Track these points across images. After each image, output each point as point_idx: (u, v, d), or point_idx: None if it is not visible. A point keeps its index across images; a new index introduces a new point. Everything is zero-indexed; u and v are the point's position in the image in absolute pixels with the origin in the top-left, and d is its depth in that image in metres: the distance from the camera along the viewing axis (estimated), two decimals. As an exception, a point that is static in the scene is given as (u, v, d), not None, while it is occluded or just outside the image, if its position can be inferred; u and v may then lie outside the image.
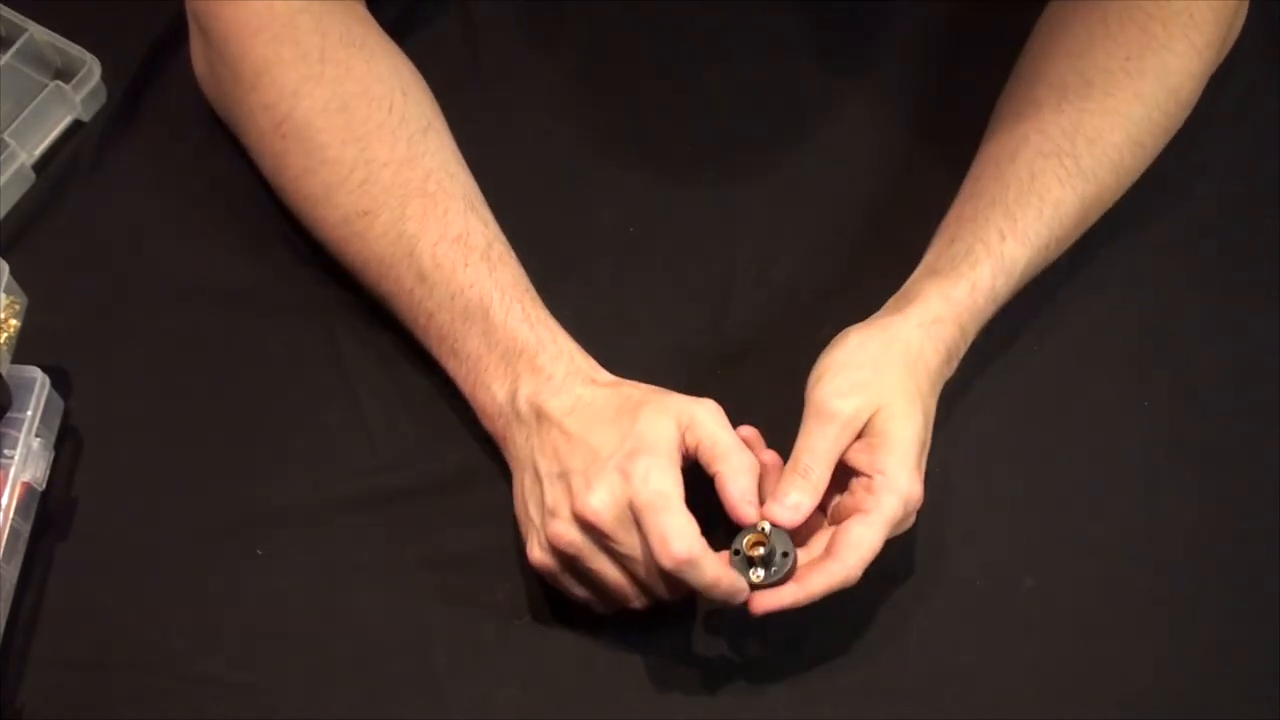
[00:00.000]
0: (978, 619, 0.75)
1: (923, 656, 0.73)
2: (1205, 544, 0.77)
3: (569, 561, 0.69)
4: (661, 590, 0.69)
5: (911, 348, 0.72)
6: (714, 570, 0.66)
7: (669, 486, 0.67)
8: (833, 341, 0.73)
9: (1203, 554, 0.76)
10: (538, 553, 0.70)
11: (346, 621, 0.74)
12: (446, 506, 0.76)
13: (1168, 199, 0.83)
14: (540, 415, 0.70)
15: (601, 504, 0.66)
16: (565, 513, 0.68)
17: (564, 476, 0.68)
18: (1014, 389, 0.80)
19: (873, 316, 0.75)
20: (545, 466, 0.70)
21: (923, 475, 0.70)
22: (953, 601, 0.75)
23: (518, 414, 0.72)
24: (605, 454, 0.68)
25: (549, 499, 0.69)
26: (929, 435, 0.71)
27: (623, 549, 0.67)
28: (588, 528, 0.67)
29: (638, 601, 0.70)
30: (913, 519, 0.71)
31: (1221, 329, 0.83)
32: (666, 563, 0.66)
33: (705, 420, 0.69)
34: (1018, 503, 0.78)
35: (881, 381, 0.70)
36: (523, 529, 0.72)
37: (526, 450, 0.71)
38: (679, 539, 0.65)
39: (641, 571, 0.68)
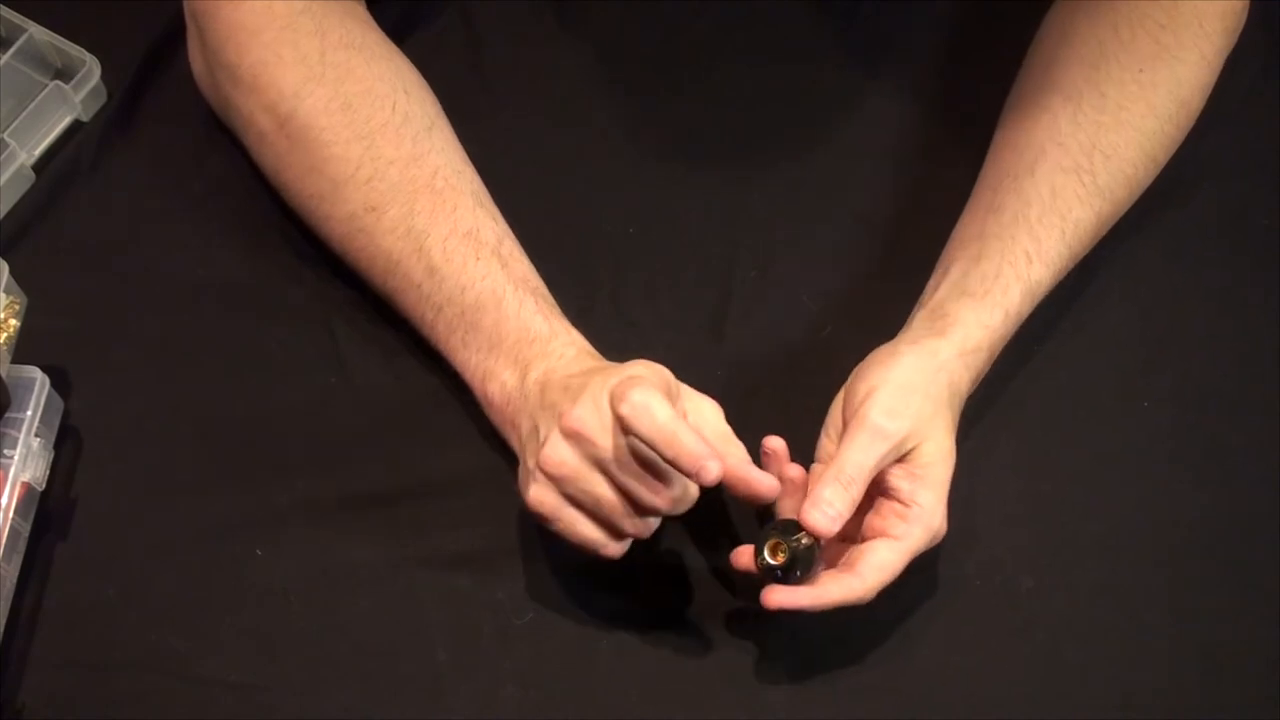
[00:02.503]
0: (977, 619, 0.75)
1: (922, 657, 0.73)
2: (1205, 544, 0.77)
3: (563, 487, 0.68)
4: (660, 502, 0.67)
5: (954, 378, 0.72)
6: (690, 438, 0.64)
7: (653, 398, 0.65)
8: (879, 356, 0.73)
9: (1203, 554, 0.76)
10: (534, 489, 0.68)
11: (346, 621, 0.74)
12: (446, 507, 0.76)
13: (1168, 199, 0.83)
14: (546, 387, 0.70)
15: (584, 412, 0.66)
16: (554, 435, 0.67)
17: (553, 409, 0.68)
18: (1014, 389, 0.80)
19: (912, 335, 0.74)
20: (544, 417, 0.69)
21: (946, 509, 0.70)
22: (952, 602, 0.75)
23: (525, 396, 0.72)
24: (597, 388, 0.67)
25: (542, 433, 0.69)
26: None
27: (609, 454, 0.66)
28: (575, 438, 0.66)
29: (633, 524, 0.68)
30: (926, 550, 0.71)
31: (1222, 329, 0.83)
32: (644, 429, 0.64)
33: (710, 412, 0.70)
34: (1017, 503, 0.78)
35: (930, 411, 0.70)
36: (521, 484, 0.71)
37: (529, 425, 0.71)
38: (660, 410, 0.64)
39: (634, 482, 0.66)
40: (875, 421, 0.69)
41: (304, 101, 0.75)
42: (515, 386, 0.72)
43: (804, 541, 0.67)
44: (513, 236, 0.77)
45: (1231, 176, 0.87)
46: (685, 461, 0.64)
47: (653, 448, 0.65)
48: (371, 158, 0.75)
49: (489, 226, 0.75)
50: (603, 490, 0.67)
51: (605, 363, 0.72)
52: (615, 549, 0.70)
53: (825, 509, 0.67)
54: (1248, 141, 0.88)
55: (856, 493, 0.68)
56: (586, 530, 0.69)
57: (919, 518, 0.69)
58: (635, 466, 0.66)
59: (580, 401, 0.67)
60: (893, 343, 0.74)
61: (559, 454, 0.67)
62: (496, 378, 0.73)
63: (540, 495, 0.68)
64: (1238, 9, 0.79)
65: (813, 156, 0.87)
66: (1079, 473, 0.78)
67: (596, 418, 0.66)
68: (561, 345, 0.72)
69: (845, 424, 0.71)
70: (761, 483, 0.68)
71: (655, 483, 0.67)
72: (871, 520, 0.70)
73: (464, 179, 0.77)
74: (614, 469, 0.67)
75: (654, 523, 0.69)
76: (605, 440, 0.66)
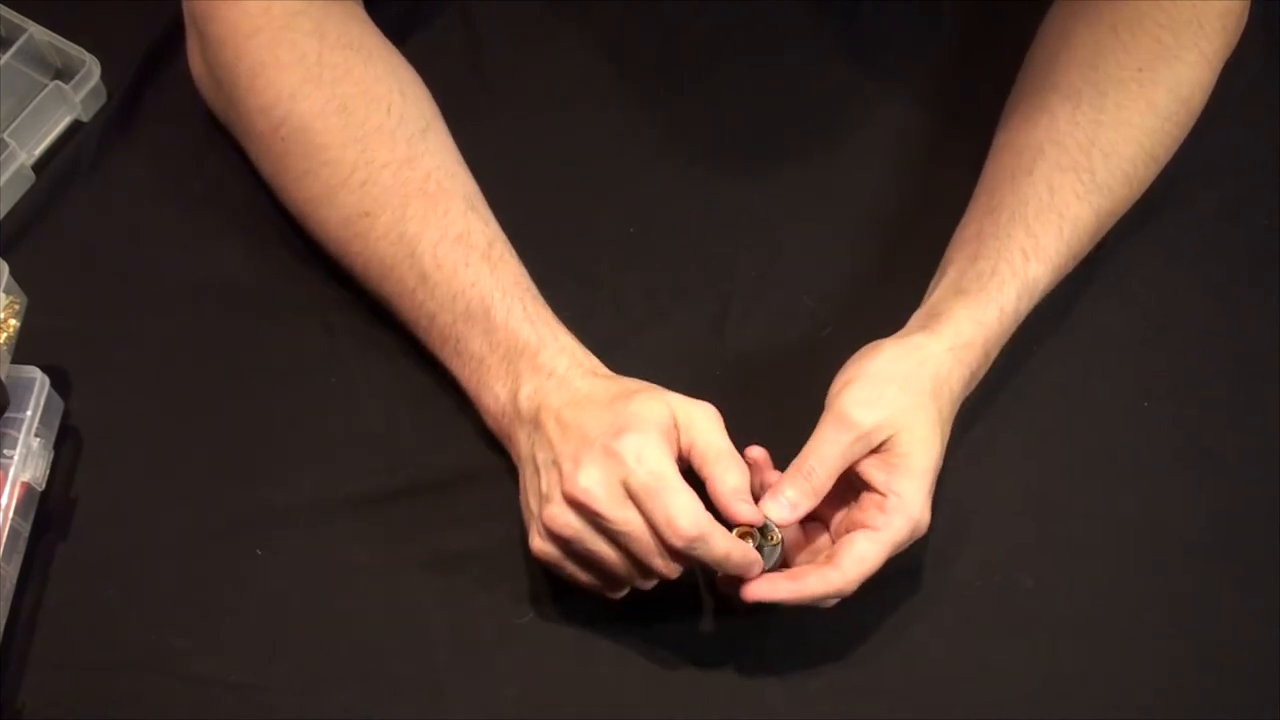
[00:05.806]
0: (977, 619, 0.75)
1: (922, 657, 0.73)
2: (1205, 544, 0.77)
3: (568, 546, 0.68)
4: (663, 567, 0.68)
5: (940, 371, 0.72)
6: (724, 544, 0.66)
7: (663, 464, 0.66)
8: (863, 350, 0.73)
9: (1203, 554, 0.77)
10: (538, 542, 0.69)
11: (346, 621, 0.74)
12: (446, 506, 0.76)
13: (1168, 199, 0.83)
14: (540, 410, 0.70)
15: (590, 483, 0.66)
16: (558, 496, 0.67)
17: (556, 462, 0.68)
18: (1014, 389, 0.80)
19: (902, 332, 0.74)
20: (542, 457, 0.69)
21: (931, 501, 0.70)
22: (952, 602, 0.75)
23: (519, 413, 0.72)
24: (594, 436, 0.67)
25: (544, 486, 0.69)
26: (942, 460, 0.71)
27: (617, 526, 0.66)
28: (580, 509, 0.67)
29: (641, 581, 0.69)
30: (910, 542, 0.70)
31: (1221, 329, 0.83)
32: (677, 542, 0.65)
33: (701, 421, 0.69)
34: (1018, 503, 0.78)
35: (908, 402, 0.70)
36: (525, 522, 0.72)
37: (528, 447, 0.71)
38: (685, 516, 0.65)
39: (640, 549, 0.67)
40: (843, 412, 0.69)
41: (300, 103, 0.75)
42: (508, 400, 0.72)
43: (772, 538, 0.68)
44: (504, 238, 0.76)
45: (1231, 176, 0.87)
46: (730, 569, 0.67)
47: (684, 554, 0.66)
48: (366, 161, 0.75)
49: (479, 230, 0.75)
50: (607, 553, 0.68)
51: (597, 376, 0.72)
52: (617, 595, 0.71)
53: (780, 499, 0.68)
54: (1248, 141, 0.88)
55: (817, 482, 0.68)
56: (588, 579, 0.70)
57: (897, 507, 0.68)
58: (646, 539, 0.66)
59: (584, 466, 0.66)
60: (880, 340, 0.74)
61: (563, 518, 0.67)
62: (490, 389, 0.74)
63: (543, 547, 0.69)
64: (1238, 9, 0.79)
65: (813, 156, 0.87)
66: (1079, 472, 0.78)
67: (604, 489, 0.66)
68: (550, 356, 0.72)
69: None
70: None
71: (664, 554, 0.67)
72: (853, 514, 0.70)
73: (457, 181, 0.77)
74: (621, 539, 0.67)
75: (656, 578, 0.69)
76: (613, 513, 0.66)
